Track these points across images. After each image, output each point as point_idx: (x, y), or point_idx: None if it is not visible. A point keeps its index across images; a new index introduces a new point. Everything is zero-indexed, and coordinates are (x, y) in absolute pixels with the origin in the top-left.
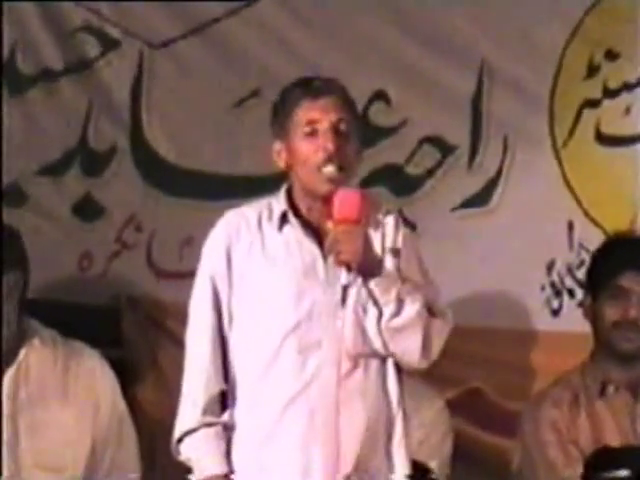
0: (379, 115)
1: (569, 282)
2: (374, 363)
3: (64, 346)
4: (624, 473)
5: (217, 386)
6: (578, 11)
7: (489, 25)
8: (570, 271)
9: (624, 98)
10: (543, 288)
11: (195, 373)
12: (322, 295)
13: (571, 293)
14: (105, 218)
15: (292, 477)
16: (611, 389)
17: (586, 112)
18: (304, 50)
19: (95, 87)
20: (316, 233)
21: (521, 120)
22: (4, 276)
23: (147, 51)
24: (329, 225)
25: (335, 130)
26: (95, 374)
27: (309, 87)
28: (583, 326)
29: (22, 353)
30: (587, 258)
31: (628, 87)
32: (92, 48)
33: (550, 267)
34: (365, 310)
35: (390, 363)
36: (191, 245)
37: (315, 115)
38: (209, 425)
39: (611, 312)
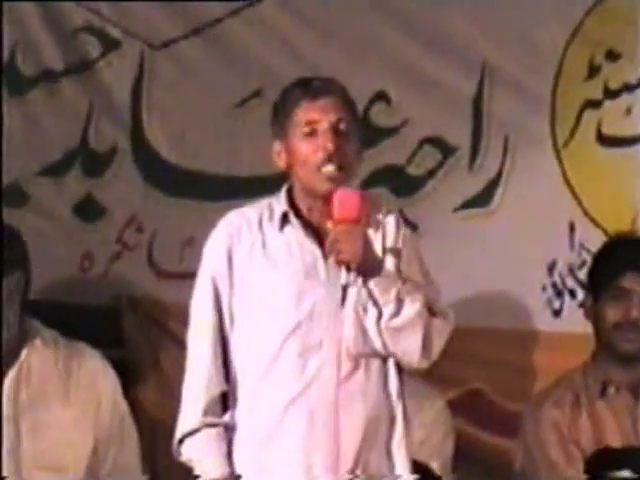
0: (380, 116)
1: (570, 282)
2: (375, 363)
3: (65, 347)
4: (625, 474)
5: (218, 387)
6: (579, 12)
7: (490, 26)
8: (571, 271)
9: (625, 99)
10: (544, 288)
11: (196, 374)
12: (323, 295)
13: (572, 294)
14: (106, 219)
15: (293, 478)
16: (612, 390)
17: (587, 113)
18: (306, 50)
19: (96, 88)
20: (317, 233)
21: (522, 121)
22: (6, 277)
23: (148, 51)
24: (329, 225)
25: (334, 130)
26: (97, 375)
27: (308, 87)
28: (584, 327)
29: (24, 354)
30: (588, 259)
31: (629, 88)
32: (93, 48)
33: (551, 267)
34: (365, 310)
35: (391, 363)
36: (192, 246)
37: (314, 115)
38: (210, 426)
39: (612, 313)
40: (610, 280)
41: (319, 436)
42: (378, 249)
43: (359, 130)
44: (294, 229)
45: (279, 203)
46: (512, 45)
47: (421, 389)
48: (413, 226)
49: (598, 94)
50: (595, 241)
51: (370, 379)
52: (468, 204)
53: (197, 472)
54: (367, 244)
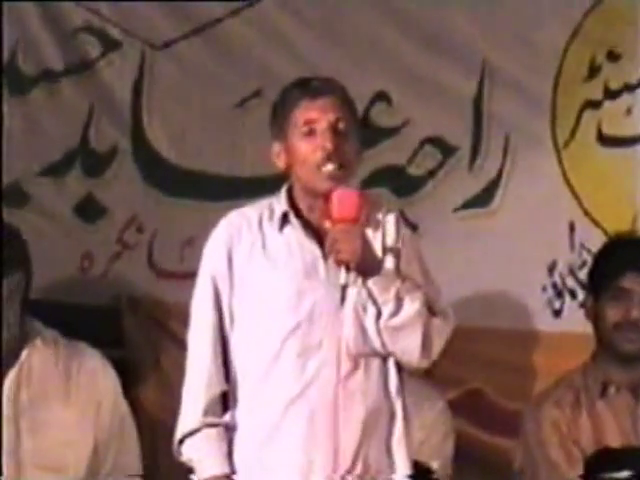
0: (380, 116)
1: (570, 283)
2: (375, 362)
3: (66, 346)
4: (625, 474)
5: (218, 387)
6: (579, 12)
7: (490, 26)
8: (571, 272)
9: (625, 99)
10: (544, 289)
11: (196, 374)
12: (323, 295)
13: (572, 294)
14: (106, 219)
15: (293, 477)
16: (612, 390)
17: (587, 113)
18: (306, 51)
19: (96, 88)
20: (317, 233)
21: (522, 121)
22: (6, 277)
23: (148, 51)
24: (326, 224)
25: (333, 129)
26: (97, 374)
27: (307, 87)
28: (584, 327)
29: (24, 354)
30: (588, 259)
31: (629, 88)
32: (93, 48)
33: (551, 268)
34: (365, 309)
35: (391, 363)
36: (192, 246)
37: (313, 115)
38: (210, 426)
39: (612, 313)
40: (610, 280)
41: (319, 436)
42: (378, 248)
43: (358, 129)
44: (294, 229)
45: (279, 203)
46: (512, 45)
47: (421, 389)
48: (413, 226)
49: (598, 94)
50: (595, 241)
51: (370, 378)
52: (468, 204)
53: (197, 472)
54: (366, 243)
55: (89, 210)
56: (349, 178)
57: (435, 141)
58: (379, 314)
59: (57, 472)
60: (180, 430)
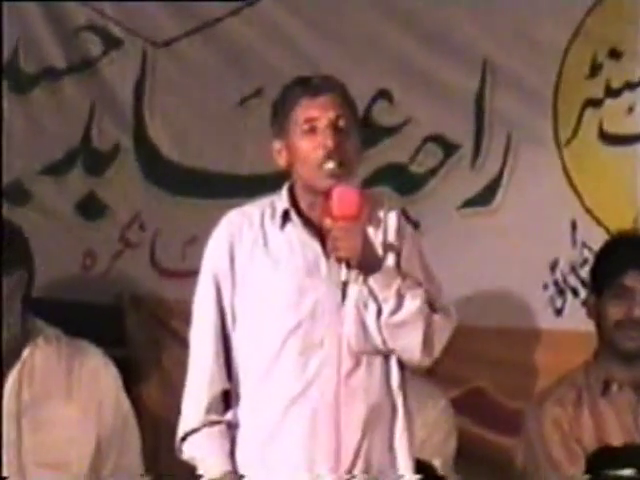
0: (382, 114)
1: (572, 281)
2: (377, 360)
3: (68, 345)
4: (627, 472)
5: (220, 385)
6: (581, 10)
7: (492, 24)
8: (573, 270)
9: (627, 97)
10: (546, 287)
11: (198, 372)
12: (325, 293)
13: (574, 292)
14: (108, 217)
15: (295, 475)
16: (614, 388)
17: (589, 111)
18: (307, 49)
19: (98, 86)
20: (318, 231)
21: (524, 119)
22: (7, 275)
23: (150, 50)
24: (326, 221)
25: (334, 127)
26: (99, 373)
27: (307, 85)
28: (586, 325)
29: (26, 352)
30: (590, 257)
31: (631, 86)
32: (95, 47)
33: (553, 266)
34: (366, 306)
35: (393, 360)
36: (194, 244)
37: (314, 113)
38: (213, 424)
39: (614, 311)
40: (612, 278)
41: (321, 434)
42: (379, 246)
43: (359, 127)
44: (295, 227)
45: (281, 201)
46: (514, 44)
47: (424, 388)
48: (415, 224)
49: (600, 92)
50: (597, 239)
51: (372, 376)
52: (470, 202)
53: (200, 470)
54: (366, 241)
55: (91, 208)
56: (350, 176)
57: (437, 139)
58: (380, 311)
59: (59, 470)
60: (182, 428)
